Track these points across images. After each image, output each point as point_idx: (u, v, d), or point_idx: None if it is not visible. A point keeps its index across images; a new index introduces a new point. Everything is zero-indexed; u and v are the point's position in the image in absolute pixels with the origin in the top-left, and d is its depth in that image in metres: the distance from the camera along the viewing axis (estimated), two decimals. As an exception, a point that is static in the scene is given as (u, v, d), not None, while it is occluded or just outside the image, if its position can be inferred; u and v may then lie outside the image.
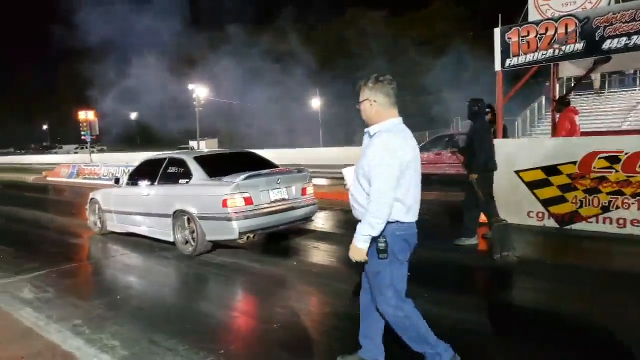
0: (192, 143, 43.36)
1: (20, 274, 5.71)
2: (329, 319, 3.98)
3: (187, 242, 6.23)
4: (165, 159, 7.02)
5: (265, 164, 6.92)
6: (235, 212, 5.70)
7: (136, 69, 42.60)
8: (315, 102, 40.11)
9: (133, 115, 59.78)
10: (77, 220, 9.74)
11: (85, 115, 22.79)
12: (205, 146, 40.93)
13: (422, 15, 43.44)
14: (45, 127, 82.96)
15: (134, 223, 7.23)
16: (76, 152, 55.80)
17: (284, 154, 26.69)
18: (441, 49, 35.29)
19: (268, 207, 6.06)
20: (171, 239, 6.45)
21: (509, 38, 6.99)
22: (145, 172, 7.25)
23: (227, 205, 5.68)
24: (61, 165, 22.50)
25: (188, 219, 6.15)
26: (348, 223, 8.26)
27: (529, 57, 6.84)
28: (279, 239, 6.93)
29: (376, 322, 2.84)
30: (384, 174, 2.47)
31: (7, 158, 56.66)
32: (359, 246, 2.56)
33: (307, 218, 6.80)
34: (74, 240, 8.07)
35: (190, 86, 38.44)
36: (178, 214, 6.27)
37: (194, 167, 6.37)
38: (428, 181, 13.10)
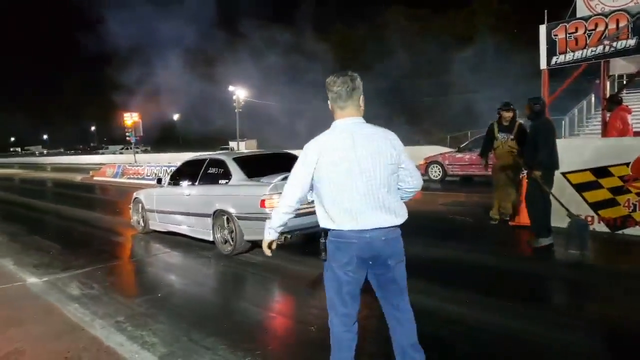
0: (232, 144, 44.10)
1: (68, 270, 5.94)
2: (366, 321, 3.92)
3: (226, 241, 6.32)
4: (205, 159, 7.17)
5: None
6: (280, 214, 5.55)
7: (177, 71, 43.75)
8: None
9: (175, 117, 61.44)
10: (122, 219, 10.08)
11: (131, 117, 23.58)
12: (244, 147, 41.56)
13: (461, 13, 42.49)
14: (93, 128, 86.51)
15: (175, 222, 7.39)
16: (121, 153, 57.87)
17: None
18: (481, 47, 34.45)
19: (305, 208, 5.92)
20: (211, 239, 6.55)
21: (555, 35, 6.72)
22: (186, 172, 7.45)
23: (265, 206, 5.70)
24: (107, 165, 23.40)
25: (227, 218, 6.22)
26: None
27: (578, 54, 6.55)
28: (316, 241, 6.90)
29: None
30: (292, 171, 2.51)
31: (56, 158, 59.47)
32: (265, 237, 2.75)
33: None
34: (118, 238, 8.36)
35: (231, 88, 39.11)
36: (218, 214, 6.36)
37: (233, 168, 6.47)
38: (470, 182, 12.97)
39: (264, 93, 47.55)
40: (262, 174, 6.18)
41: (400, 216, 2.43)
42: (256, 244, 6.29)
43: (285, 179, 5.62)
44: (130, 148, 51.73)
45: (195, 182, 7.01)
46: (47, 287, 5.28)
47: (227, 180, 6.45)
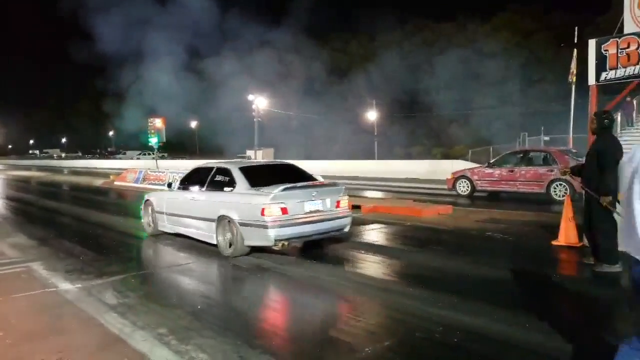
0: (249, 152, 44.13)
1: (102, 277, 5.81)
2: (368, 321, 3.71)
3: (231, 245, 6.60)
4: (213, 167, 7.50)
5: (304, 176, 7.40)
6: (272, 221, 6.11)
7: (196, 78, 44.08)
8: (372, 115, 39.81)
9: (193, 124, 61.87)
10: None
11: (153, 122, 23.70)
12: (261, 156, 41.57)
13: (489, 27, 42.16)
14: (111, 133, 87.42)
15: (183, 225, 7.71)
16: (138, 158, 58.36)
17: (337, 166, 26.61)
18: (507, 61, 34.16)
19: (303, 218, 6.43)
20: (214, 242, 6.89)
21: (605, 50, 6.51)
22: (195, 178, 7.79)
23: (265, 214, 6.08)
24: (128, 170, 23.47)
25: (230, 223, 6.55)
26: (400, 236, 8.01)
27: (630, 70, 6.33)
28: (348, 254, 6.75)
29: None
30: None
31: (75, 162, 60.14)
32: None
33: (341, 229, 7.01)
34: (147, 245, 8.25)
35: (250, 97, 39.25)
36: (221, 219, 6.69)
37: (238, 176, 6.82)
38: (498, 198, 12.70)
39: (282, 102, 47.71)
40: (264, 184, 6.51)
41: None
42: (256, 249, 6.60)
43: (285, 189, 6.25)
44: (148, 154, 52.15)
45: (203, 187, 7.34)
46: (82, 294, 5.15)
47: (232, 188, 6.78)
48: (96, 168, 46.25)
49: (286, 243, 6.21)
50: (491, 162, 13.42)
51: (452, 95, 37.92)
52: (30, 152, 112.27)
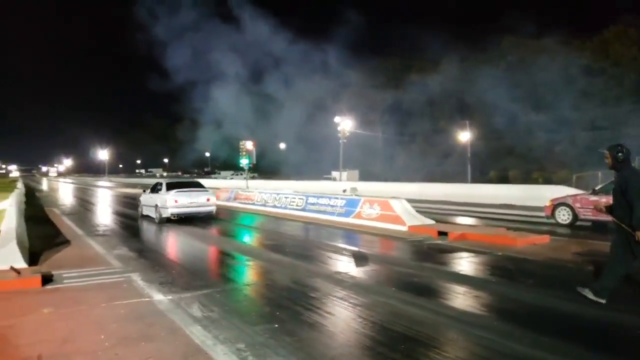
0: (335, 174, 44.72)
1: (189, 290, 6.15)
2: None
3: (158, 217, 14.09)
4: (160, 182, 15.19)
5: (196, 185, 15.28)
6: (171, 206, 13.62)
7: (286, 101, 45.68)
8: (464, 136, 38.16)
9: (282, 145, 64.05)
10: (236, 242, 10.43)
11: (245, 145, 24.95)
12: (346, 177, 41.88)
13: (597, 40, 39.09)
14: (207, 154, 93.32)
15: (147, 209, 15.38)
16: (232, 178, 61.48)
17: (425, 189, 25.93)
18: (619, 78, 31.31)
19: (186, 206, 13.95)
20: (153, 216, 14.43)
21: None
22: (152, 186, 15.42)
23: (167, 203, 13.67)
24: (221, 190, 24.79)
25: (157, 207, 14.18)
26: (489, 267, 7.47)
27: None
28: (432, 283, 6.50)
29: None
30: None
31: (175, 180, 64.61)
32: None
33: (209, 213, 14.49)
34: (233, 262, 8.63)
35: (337, 119, 39.88)
36: (155, 205, 14.36)
37: (163, 186, 14.45)
38: (604, 229, 11.45)
39: (368, 124, 47.88)
40: (173, 189, 14.07)
41: None
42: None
43: (178, 191, 14.05)
44: (240, 174, 54.80)
45: (154, 191, 14.95)
46: (172, 305, 5.48)
47: (160, 190, 14.43)
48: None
49: (176, 217, 13.71)
50: (597, 188, 12.19)
51: (555, 115, 35.40)
52: (137, 171, 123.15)
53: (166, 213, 13.57)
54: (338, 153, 40.44)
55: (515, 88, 36.40)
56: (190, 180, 19.24)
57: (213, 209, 14.44)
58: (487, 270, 7.47)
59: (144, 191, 16.23)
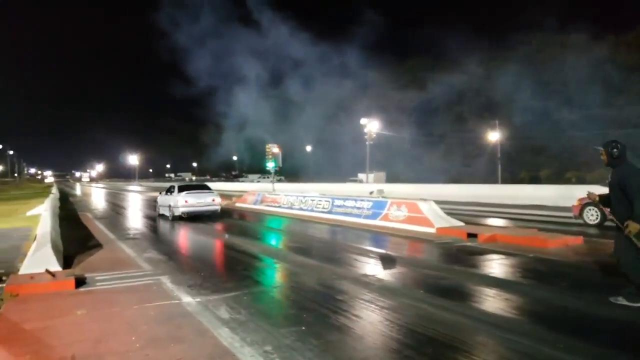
0: (361, 176, 44.54)
1: (217, 292, 6.22)
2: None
3: (171, 215, 16.12)
4: (173, 185, 17.22)
5: (204, 187, 17.42)
6: (182, 205, 15.64)
7: (308, 103, 45.83)
8: (494, 136, 37.38)
9: (308, 148, 64.28)
10: (263, 245, 10.48)
11: (271, 149, 25.15)
12: (373, 179, 41.69)
13: (632, 36, 37.70)
14: (235, 158, 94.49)
15: (162, 209, 17.32)
16: (259, 181, 62.07)
17: (454, 191, 25.54)
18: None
19: (195, 205, 15.94)
20: (168, 214, 16.42)
21: None
22: (167, 189, 17.50)
23: (179, 203, 15.70)
24: (248, 193, 25.03)
25: (170, 206, 16.21)
26: (519, 269, 7.26)
27: None
28: (461, 285, 6.39)
29: None
30: None
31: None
32: None
33: (215, 212, 16.58)
34: (260, 264, 8.67)
35: (363, 120, 39.73)
36: (169, 205, 16.29)
37: (175, 188, 16.41)
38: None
39: (392, 124, 47.52)
40: (184, 191, 16.17)
41: None
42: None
43: (187, 193, 16.44)
44: (267, 177, 55.23)
45: (168, 193, 16.93)
46: (200, 307, 5.54)
47: (172, 192, 16.42)
48: (220, 190, 49.87)
49: (186, 215, 15.64)
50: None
51: (588, 113, 34.30)
52: (167, 175, 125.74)
53: (178, 212, 15.70)
54: (360, 155, 40.31)
55: (545, 86, 35.46)
56: (199, 183, 23.08)
57: (218, 208, 16.53)
58: (518, 272, 7.29)
59: (160, 193, 18.21)
